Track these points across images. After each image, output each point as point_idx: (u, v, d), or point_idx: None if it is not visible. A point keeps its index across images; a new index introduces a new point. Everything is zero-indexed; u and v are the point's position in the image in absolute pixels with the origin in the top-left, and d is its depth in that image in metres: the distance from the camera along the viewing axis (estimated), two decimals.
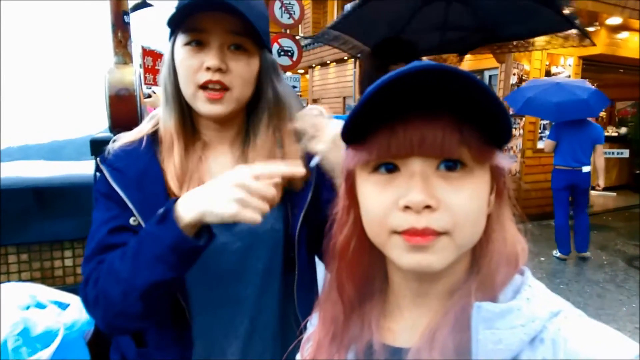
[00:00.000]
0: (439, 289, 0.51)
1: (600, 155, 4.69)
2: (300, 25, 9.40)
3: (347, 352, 0.54)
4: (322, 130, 0.83)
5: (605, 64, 6.89)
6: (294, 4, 6.79)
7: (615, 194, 8.39)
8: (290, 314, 0.89)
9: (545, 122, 6.16)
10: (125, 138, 0.86)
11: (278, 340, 0.88)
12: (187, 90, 0.80)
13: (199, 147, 0.87)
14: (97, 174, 0.83)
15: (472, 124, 0.44)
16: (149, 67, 5.97)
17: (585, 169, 4.61)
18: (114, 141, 0.87)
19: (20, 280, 1.29)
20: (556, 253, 4.83)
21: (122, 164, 0.82)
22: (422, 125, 0.43)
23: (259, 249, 0.84)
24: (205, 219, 0.67)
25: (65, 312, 0.97)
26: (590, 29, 5.91)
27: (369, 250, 0.52)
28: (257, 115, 0.88)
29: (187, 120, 0.85)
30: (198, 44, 0.79)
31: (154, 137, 0.86)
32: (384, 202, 0.46)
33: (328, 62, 10.36)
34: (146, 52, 6.09)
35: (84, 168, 1.44)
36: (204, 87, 0.78)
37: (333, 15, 11.81)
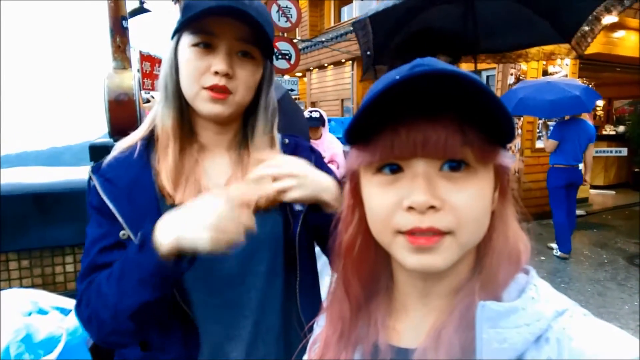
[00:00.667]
0: (444, 288, 0.51)
1: (591, 152, 4.82)
2: (297, 29, 9.43)
3: (355, 350, 0.54)
4: (281, 168, 0.81)
5: (602, 63, 6.92)
6: (291, 8, 6.81)
7: (614, 192, 8.42)
8: (293, 316, 0.88)
9: (540, 121, 6.19)
10: (121, 145, 0.86)
11: (281, 342, 0.88)
12: (190, 89, 0.80)
13: (195, 149, 0.86)
14: (90, 184, 0.82)
15: (475, 124, 0.44)
16: (147, 72, 5.98)
17: (581, 166, 4.74)
18: (114, 150, 0.86)
19: (21, 286, 1.29)
20: (556, 252, 4.84)
21: (114, 174, 0.82)
22: (425, 126, 0.43)
23: (260, 252, 0.84)
24: (181, 246, 0.66)
25: (67, 318, 0.97)
26: (586, 27, 5.95)
27: (375, 248, 0.52)
28: (255, 120, 0.89)
29: (185, 120, 0.85)
30: (206, 46, 0.78)
31: (149, 140, 0.86)
32: (387, 202, 0.46)
33: (326, 64, 10.38)
34: (144, 57, 6.10)
35: (83, 173, 1.44)
36: (208, 88, 0.79)
37: (330, 18, 11.85)
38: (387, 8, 2.15)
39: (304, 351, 0.63)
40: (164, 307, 0.75)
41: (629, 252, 5.03)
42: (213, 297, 0.83)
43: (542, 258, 4.80)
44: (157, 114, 0.86)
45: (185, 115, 0.85)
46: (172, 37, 0.83)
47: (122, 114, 1.78)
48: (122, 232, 0.78)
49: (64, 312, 0.98)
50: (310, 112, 4.00)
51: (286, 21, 6.78)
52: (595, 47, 6.20)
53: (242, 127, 0.90)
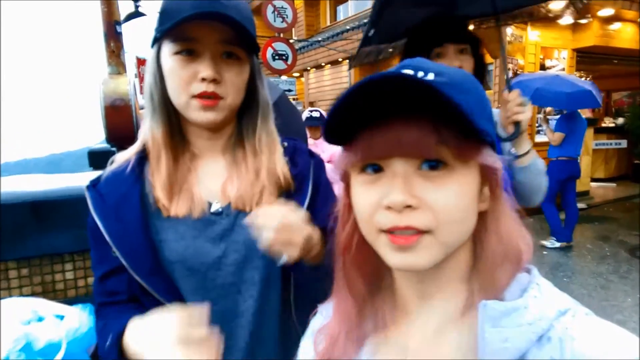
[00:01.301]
0: (441, 289, 0.51)
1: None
2: (293, 29, 9.43)
3: (363, 347, 0.54)
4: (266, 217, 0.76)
5: (599, 56, 6.91)
6: (286, 8, 6.81)
7: (615, 184, 8.41)
8: (290, 324, 0.88)
9: (539, 115, 6.18)
10: (119, 159, 0.85)
11: (279, 352, 0.87)
12: (179, 100, 0.79)
13: (188, 157, 0.85)
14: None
15: (450, 124, 0.44)
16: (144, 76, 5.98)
17: (579, 158, 4.87)
18: (111, 162, 0.86)
19: (21, 294, 1.28)
20: (553, 244, 4.86)
21: (107, 190, 0.82)
22: (400, 127, 0.44)
23: (255, 260, 0.83)
24: None
25: (63, 323, 0.96)
26: (583, 21, 5.94)
27: (367, 244, 0.53)
28: (250, 120, 0.88)
29: (175, 129, 0.84)
30: (189, 53, 0.77)
31: (143, 154, 0.85)
32: (369, 201, 0.47)
33: (323, 64, 10.37)
34: (141, 62, 6.11)
35: (81, 180, 1.44)
36: (197, 96, 0.77)
37: (326, 17, 11.84)
38: None
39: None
40: None
41: (630, 244, 5.03)
42: (210, 306, 0.82)
43: (545, 252, 4.80)
44: (146, 126, 0.85)
45: (174, 124, 0.84)
46: (152, 46, 0.81)
47: (119, 119, 1.78)
48: (112, 251, 0.78)
49: (62, 318, 0.98)
50: (311, 111, 4.02)
51: (282, 21, 6.78)
52: (592, 39, 6.21)
53: (236, 127, 0.89)
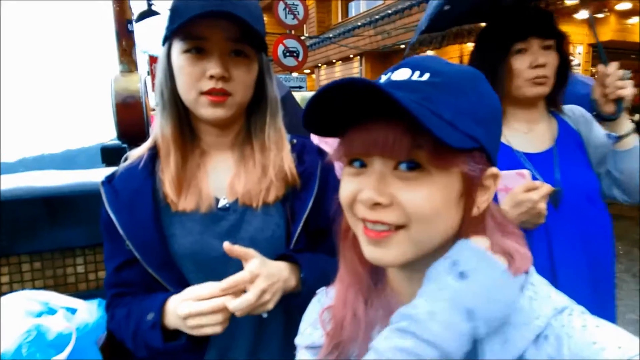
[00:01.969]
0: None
1: None
2: (305, 26, 9.43)
3: (371, 331, 0.55)
4: None
5: (616, 50, 6.76)
6: (297, 5, 6.81)
7: None
8: (295, 321, 0.89)
9: None
10: (133, 155, 0.88)
11: (284, 348, 0.88)
12: (188, 96, 0.80)
13: (198, 154, 0.87)
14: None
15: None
16: None
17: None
18: (125, 159, 0.88)
19: (34, 287, 1.32)
20: None
21: (121, 185, 0.84)
22: (380, 127, 0.45)
23: None
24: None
25: (76, 317, 0.99)
26: (600, 15, 5.83)
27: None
28: (259, 117, 0.89)
29: (185, 126, 0.86)
30: (198, 51, 0.78)
31: (155, 150, 0.87)
32: (350, 191, 0.49)
33: (334, 60, 10.36)
34: (154, 60, 6.17)
35: (93, 176, 1.47)
36: (206, 92, 0.79)
37: (337, 14, 11.80)
38: None
39: None
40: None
41: None
42: None
43: None
44: (157, 122, 0.87)
45: (184, 121, 0.85)
46: (163, 44, 0.83)
47: (130, 116, 1.81)
48: (126, 243, 0.81)
49: (73, 312, 1.01)
50: None
51: (293, 18, 6.79)
52: (608, 34, 6.09)
53: (244, 124, 0.90)
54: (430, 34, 1.52)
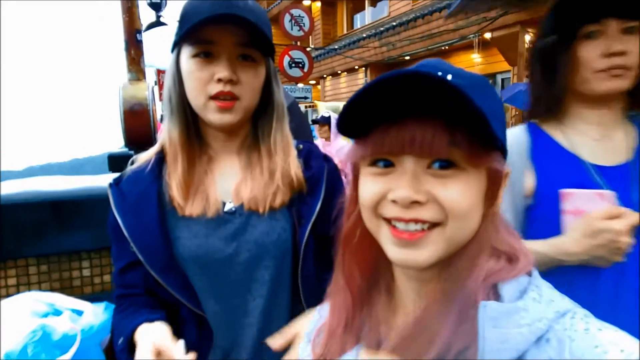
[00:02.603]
0: (439, 289, 0.51)
1: None
2: (310, 37, 9.52)
3: (359, 342, 0.54)
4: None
5: None
6: (303, 17, 6.89)
7: None
8: None
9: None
10: (140, 159, 0.89)
11: (287, 350, 0.88)
12: (197, 101, 0.81)
13: (205, 160, 0.87)
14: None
15: (464, 127, 0.44)
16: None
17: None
18: (132, 162, 0.89)
19: (40, 290, 1.33)
20: None
21: (128, 188, 0.85)
22: (415, 126, 0.44)
23: (266, 259, 0.84)
24: None
25: (81, 319, 1.00)
26: None
27: (374, 240, 0.53)
28: (265, 122, 0.89)
29: (192, 131, 0.86)
30: (207, 55, 0.79)
31: (162, 154, 0.88)
32: (375, 190, 0.48)
33: (339, 72, 10.43)
34: (161, 71, 6.25)
35: (99, 181, 1.49)
36: (214, 97, 0.80)
37: (343, 25, 11.92)
38: None
39: None
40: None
41: None
42: (221, 303, 0.84)
43: None
44: (164, 128, 0.87)
45: (191, 126, 0.86)
46: (172, 50, 0.84)
47: (137, 123, 1.84)
48: (131, 245, 0.82)
49: (79, 313, 1.02)
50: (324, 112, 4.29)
51: (299, 30, 6.86)
52: None
53: (251, 129, 0.90)
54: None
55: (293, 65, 6.82)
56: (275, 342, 0.75)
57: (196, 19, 0.75)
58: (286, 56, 6.75)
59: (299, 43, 7.05)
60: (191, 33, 0.77)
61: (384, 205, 0.48)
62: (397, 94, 0.44)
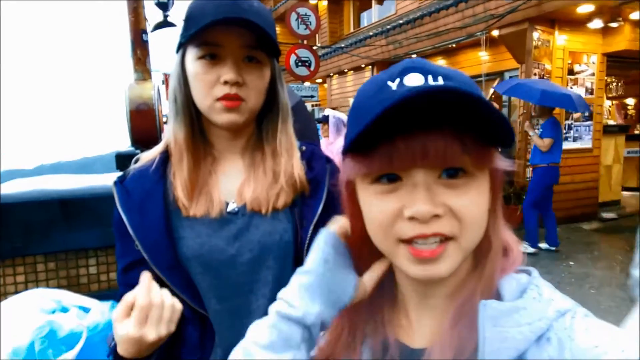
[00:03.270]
0: (445, 290, 0.52)
1: None
2: (317, 35, 9.51)
3: (362, 345, 0.55)
4: None
5: (631, 60, 6.67)
6: (310, 15, 6.88)
7: None
8: None
9: (570, 121, 6.01)
10: (144, 157, 0.89)
11: None
12: (203, 103, 0.82)
13: (209, 161, 0.88)
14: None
15: (473, 131, 0.44)
16: None
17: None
18: (136, 161, 0.89)
19: (48, 287, 1.35)
20: (526, 249, 4.83)
21: (133, 186, 0.85)
22: (422, 137, 0.43)
23: (268, 260, 0.85)
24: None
25: (87, 315, 1.02)
26: (614, 24, 5.77)
27: (374, 252, 0.53)
28: (270, 123, 0.90)
29: (197, 132, 0.87)
30: (212, 57, 0.80)
31: (167, 154, 0.88)
32: (387, 211, 0.46)
33: (345, 70, 10.40)
34: (168, 75, 6.28)
35: (106, 180, 1.51)
36: (220, 98, 0.80)
37: (349, 24, 11.88)
38: None
39: None
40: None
41: None
42: (223, 303, 0.84)
43: (571, 263, 4.65)
44: (169, 128, 0.88)
45: (196, 126, 0.86)
46: (177, 51, 0.85)
47: (143, 122, 1.86)
48: (135, 244, 0.82)
49: (85, 310, 1.04)
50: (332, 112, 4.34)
51: (305, 28, 6.86)
52: (623, 43, 6.01)
53: (255, 130, 0.91)
54: None
55: (299, 63, 6.82)
56: None
57: (202, 21, 0.75)
58: (293, 55, 6.76)
59: (305, 41, 7.05)
60: (197, 35, 0.77)
61: (400, 225, 0.46)
62: (405, 111, 0.42)
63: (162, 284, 0.83)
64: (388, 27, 8.47)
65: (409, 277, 0.49)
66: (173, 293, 0.82)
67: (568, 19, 5.63)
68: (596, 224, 6.20)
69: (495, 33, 6.18)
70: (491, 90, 6.88)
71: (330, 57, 10.63)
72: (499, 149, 0.49)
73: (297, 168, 0.88)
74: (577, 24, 5.76)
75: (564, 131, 6.04)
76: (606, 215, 6.47)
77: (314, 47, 7.35)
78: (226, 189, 0.87)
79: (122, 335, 0.66)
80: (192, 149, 0.85)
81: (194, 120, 0.86)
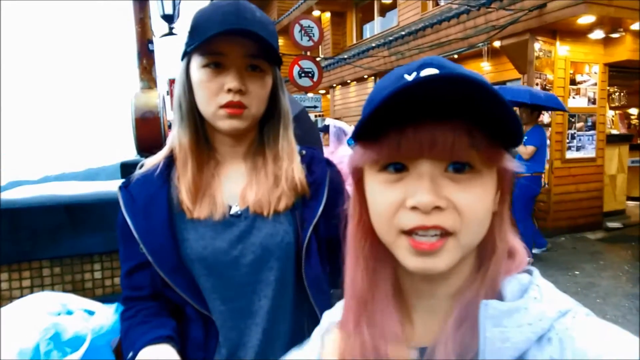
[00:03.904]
0: (448, 290, 0.51)
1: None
2: (320, 47, 9.61)
3: (370, 342, 0.54)
4: None
5: (633, 70, 6.69)
6: (313, 27, 6.97)
7: None
8: (304, 324, 0.90)
9: (572, 131, 6.01)
10: (148, 163, 0.92)
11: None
12: (207, 110, 0.84)
13: (213, 165, 0.90)
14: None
15: (482, 127, 0.44)
16: None
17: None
18: (141, 166, 0.92)
19: (53, 291, 1.37)
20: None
21: (137, 190, 0.88)
22: (432, 127, 0.43)
23: (270, 261, 0.86)
24: None
25: (92, 318, 1.02)
26: (615, 35, 5.80)
27: (377, 244, 0.53)
28: (272, 129, 0.92)
29: (201, 137, 0.89)
30: (217, 66, 0.83)
31: (171, 159, 0.91)
32: (391, 200, 0.46)
33: (348, 81, 10.48)
34: (173, 81, 6.35)
35: (112, 186, 1.53)
36: (224, 106, 0.83)
37: (352, 35, 12.00)
38: None
39: None
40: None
41: None
42: (226, 304, 0.85)
43: (577, 273, 4.61)
44: (174, 133, 0.90)
45: (200, 132, 0.89)
46: (182, 59, 0.87)
47: (148, 131, 1.88)
48: (140, 247, 0.84)
49: (90, 313, 1.04)
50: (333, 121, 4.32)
51: (308, 40, 6.94)
52: (624, 54, 6.04)
53: (257, 135, 0.93)
54: None
55: (303, 74, 6.88)
56: None
57: (207, 32, 0.78)
58: (296, 66, 6.82)
59: (308, 53, 7.12)
60: (202, 45, 0.80)
61: (402, 215, 0.46)
62: (415, 96, 0.42)
63: (165, 286, 0.85)
64: (390, 38, 8.56)
65: (411, 273, 0.49)
66: (177, 294, 0.84)
67: (569, 29, 5.66)
68: (601, 233, 6.15)
69: (496, 44, 6.23)
70: None
71: (333, 68, 10.72)
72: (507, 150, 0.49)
73: (298, 172, 0.90)
74: (578, 34, 5.79)
75: (567, 140, 6.04)
76: (611, 224, 6.43)
77: (317, 59, 7.42)
78: (229, 192, 0.89)
79: None
80: (196, 154, 0.88)
81: (198, 125, 0.88)
